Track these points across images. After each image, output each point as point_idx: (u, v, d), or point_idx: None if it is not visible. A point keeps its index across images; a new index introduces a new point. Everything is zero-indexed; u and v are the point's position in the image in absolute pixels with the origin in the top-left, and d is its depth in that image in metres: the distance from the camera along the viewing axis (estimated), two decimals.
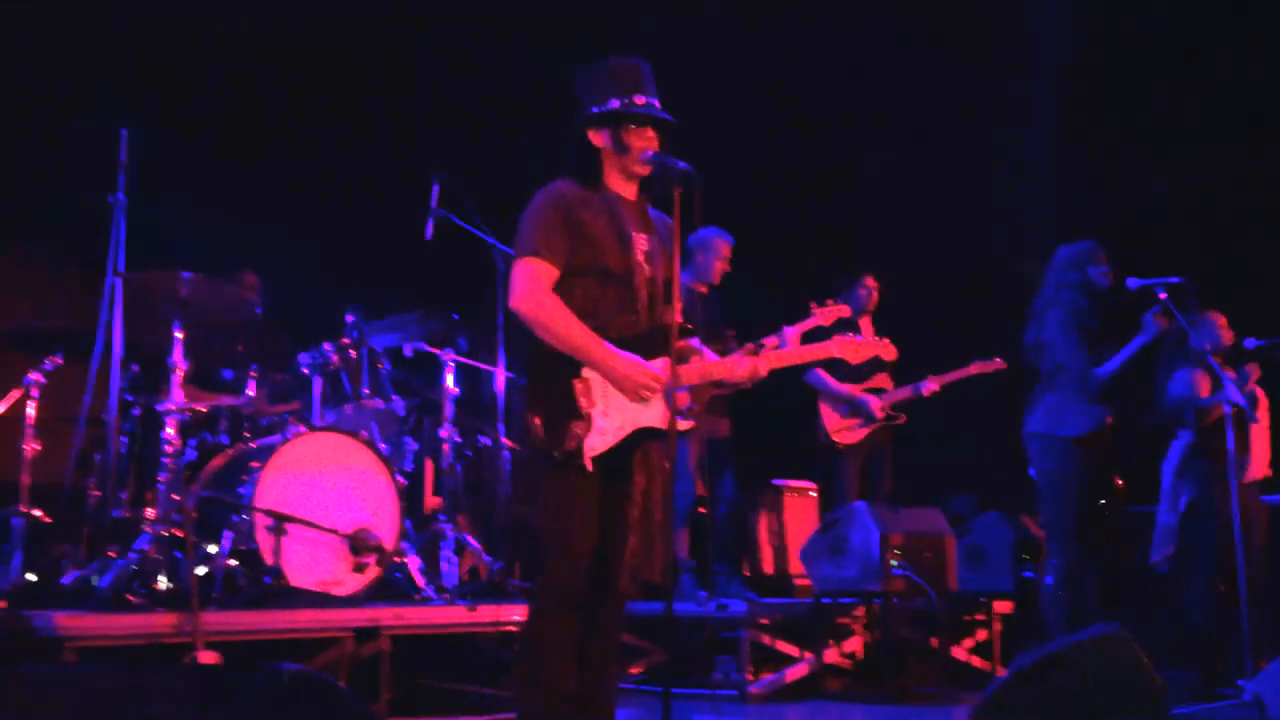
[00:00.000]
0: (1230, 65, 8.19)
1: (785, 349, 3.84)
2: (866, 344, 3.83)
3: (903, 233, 8.55)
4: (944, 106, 8.58)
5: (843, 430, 7.12)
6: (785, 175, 9.02)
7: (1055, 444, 5.83)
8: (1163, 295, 5.71)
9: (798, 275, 7.98)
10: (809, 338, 6.28)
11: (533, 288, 3.59)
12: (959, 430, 8.17)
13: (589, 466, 3.52)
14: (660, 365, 3.60)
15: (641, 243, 3.73)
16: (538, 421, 3.53)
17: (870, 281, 7.18)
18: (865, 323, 7.12)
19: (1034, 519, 7.12)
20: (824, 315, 6.46)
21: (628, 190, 3.78)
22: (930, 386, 7.08)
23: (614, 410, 3.58)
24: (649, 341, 3.64)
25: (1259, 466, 6.34)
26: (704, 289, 6.74)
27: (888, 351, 3.86)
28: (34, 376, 5.44)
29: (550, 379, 3.57)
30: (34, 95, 6.96)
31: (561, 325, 3.56)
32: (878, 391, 7.11)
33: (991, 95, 8.63)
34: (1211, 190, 8.12)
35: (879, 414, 7.05)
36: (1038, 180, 8.77)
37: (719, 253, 6.70)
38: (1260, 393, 6.24)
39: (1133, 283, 5.79)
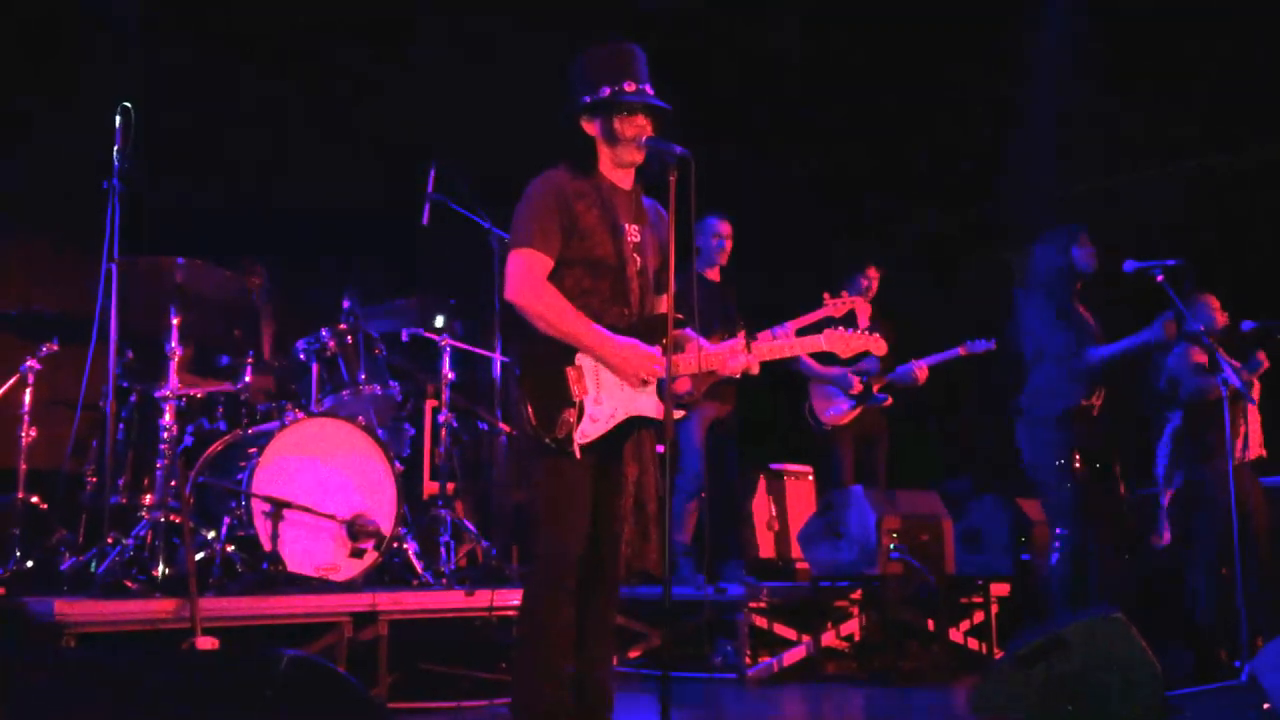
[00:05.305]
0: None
1: (777, 342, 3.81)
2: (857, 339, 3.82)
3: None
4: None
5: (831, 412, 7.11)
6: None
7: (1039, 425, 5.83)
8: (1159, 278, 5.67)
9: (815, 261, 7.99)
10: (818, 327, 6.25)
11: (528, 279, 3.58)
12: (955, 413, 8.18)
13: (577, 454, 3.52)
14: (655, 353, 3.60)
15: (632, 234, 3.72)
16: (530, 408, 3.53)
17: (872, 272, 7.15)
18: (863, 310, 7.07)
19: (1030, 502, 7.13)
20: (835, 307, 6.44)
21: (623, 179, 3.77)
22: (920, 371, 7.03)
23: (607, 398, 3.58)
24: (641, 332, 3.64)
25: (1254, 447, 6.35)
26: (715, 275, 6.73)
27: (878, 347, 3.85)
28: (30, 363, 5.43)
29: (543, 366, 3.58)
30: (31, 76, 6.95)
31: (558, 315, 3.57)
32: (864, 375, 7.09)
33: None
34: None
35: (857, 388, 7.02)
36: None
37: (715, 230, 6.68)
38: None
39: (1129, 265, 5.74)
